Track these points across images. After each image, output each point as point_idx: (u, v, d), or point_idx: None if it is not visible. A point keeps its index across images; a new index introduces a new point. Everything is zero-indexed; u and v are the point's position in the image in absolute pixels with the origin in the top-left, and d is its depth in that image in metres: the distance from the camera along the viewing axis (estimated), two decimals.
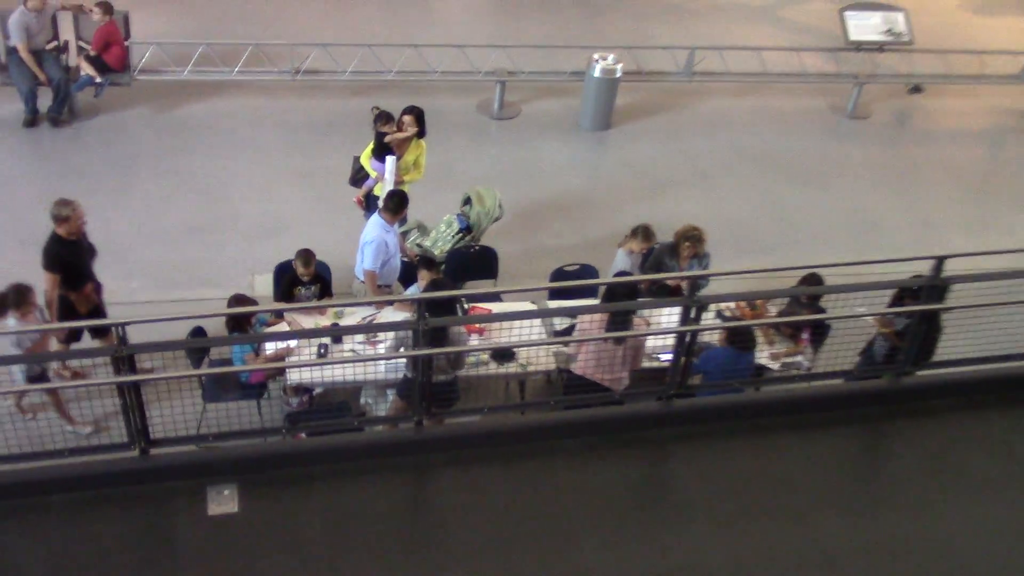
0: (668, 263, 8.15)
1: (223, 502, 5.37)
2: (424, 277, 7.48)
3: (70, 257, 7.22)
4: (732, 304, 7.95)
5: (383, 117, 8.74)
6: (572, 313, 7.20)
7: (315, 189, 10.54)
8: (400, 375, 6.82)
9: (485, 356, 7.36)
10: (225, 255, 9.50)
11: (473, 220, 9.10)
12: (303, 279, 7.70)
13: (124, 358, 5.13)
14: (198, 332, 7.37)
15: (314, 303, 7.72)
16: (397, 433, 6.32)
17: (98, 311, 7.53)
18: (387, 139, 8.68)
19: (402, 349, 6.57)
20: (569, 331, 7.31)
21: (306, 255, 7.65)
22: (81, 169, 10.48)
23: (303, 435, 6.29)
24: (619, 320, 6.52)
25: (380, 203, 8.21)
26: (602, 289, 7.11)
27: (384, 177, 8.73)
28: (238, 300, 7.17)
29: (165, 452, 5.60)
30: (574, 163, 11.73)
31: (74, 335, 7.47)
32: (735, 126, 12.60)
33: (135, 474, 5.49)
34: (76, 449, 5.46)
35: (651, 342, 7.21)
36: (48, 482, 5.40)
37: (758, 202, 11.22)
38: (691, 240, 8.01)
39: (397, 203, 7.86)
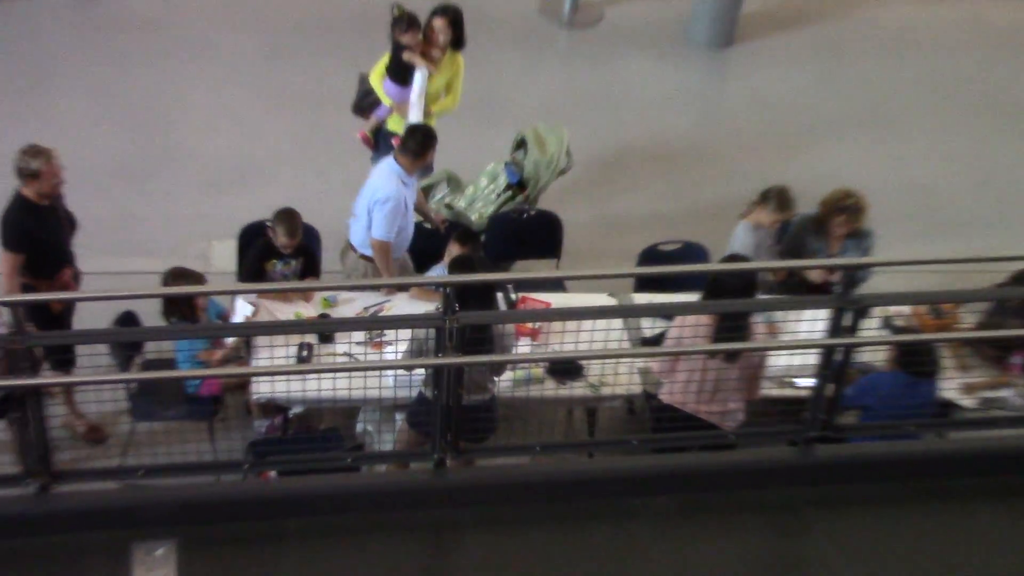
0: (812, 244, 8.06)
1: (155, 565, 5.39)
2: (456, 253, 7.47)
3: (40, 230, 7.22)
4: (906, 309, 7.81)
5: (404, 21, 8.73)
6: (667, 312, 7.14)
7: (302, 119, 10.59)
8: (414, 393, 6.82)
9: (539, 370, 7.33)
10: (171, 211, 9.58)
11: (528, 172, 9.09)
12: (282, 251, 7.75)
13: (21, 353, 5.16)
14: (128, 319, 7.44)
15: (294, 284, 7.74)
16: (408, 476, 6.34)
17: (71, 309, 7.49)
18: (406, 56, 8.68)
19: (421, 356, 6.58)
20: (662, 339, 7.27)
21: (290, 219, 7.68)
22: None
23: (272, 474, 6.30)
24: (731, 326, 6.46)
25: (396, 142, 8.21)
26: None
27: (411, 102, 8.71)
28: (177, 275, 7.21)
29: (75, 490, 5.62)
30: (679, 93, 11.66)
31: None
32: (926, 46, 12.46)
33: (31, 520, 5.51)
34: None
35: (781, 360, 7.14)
36: None
37: (955, 159, 11.07)
38: (846, 211, 7.93)
39: (420, 143, 7.86)
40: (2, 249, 7.16)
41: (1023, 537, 5.93)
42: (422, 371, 6.60)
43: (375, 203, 7.84)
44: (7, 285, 7.16)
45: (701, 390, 6.77)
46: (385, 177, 7.87)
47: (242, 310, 7.65)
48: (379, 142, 9.01)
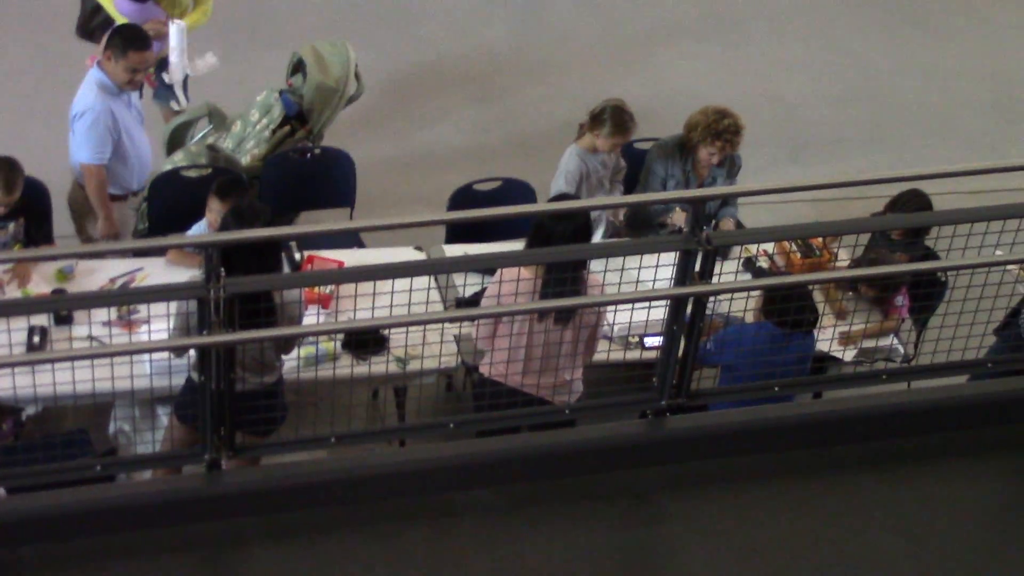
0: (675, 177, 8.24)
1: None
2: (216, 210, 7.50)
3: None
4: (770, 247, 8.08)
5: None
6: (485, 266, 7.23)
7: (14, 45, 10.40)
8: (180, 381, 6.80)
9: (331, 344, 7.38)
10: None
11: (309, 101, 9.06)
12: None
13: None
14: None
15: (15, 253, 7.65)
16: (176, 484, 6.29)
17: None
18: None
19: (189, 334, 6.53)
20: (479, 300, 7.36)
21: (7, 170, 7.50)
22: None
23: (1, 491, 6.22)
24: (560, 279, 6.55)
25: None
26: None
27: (171, 63, 8.63)
28: None
29: None
30: None
31: None
32: None
33: None
34: None
35: (623, 316, 7.28)
36: None
37: (821, 69, 11.36)
38: (722, 137, 8.10)
39: (127, 38, 7.82)
40: None
41: (911, 511, 6.11)
42: (186, 352, 6.58)
43: (72, 119, 7.87)
44: None
45: (528, 359, 6.86)
46: (83, 86, 7.91)
47: None
48: None
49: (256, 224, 6.67)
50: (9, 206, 7.60)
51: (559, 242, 6.67)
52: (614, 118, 8.08)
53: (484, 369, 7.06)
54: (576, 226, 6.75)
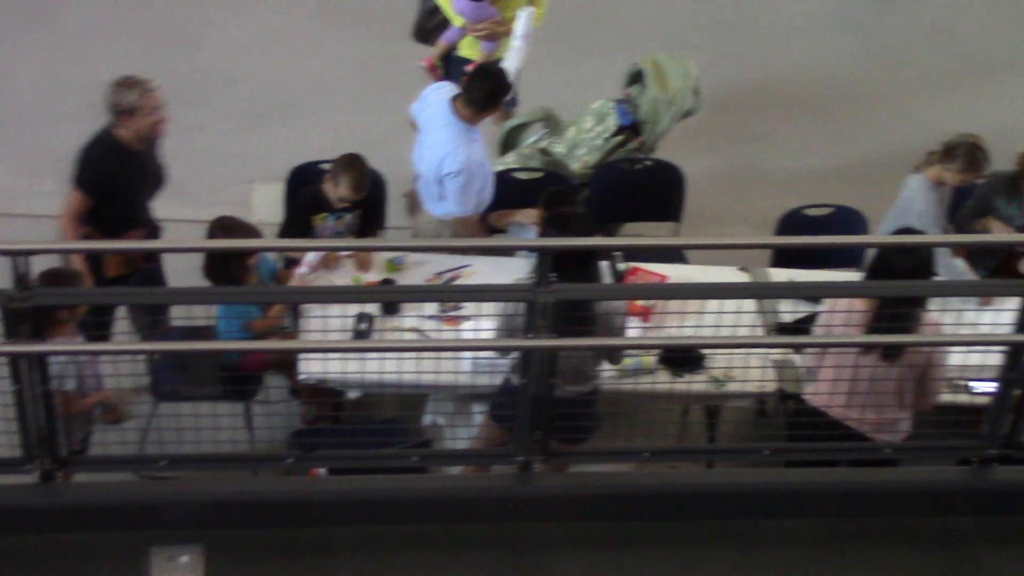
0: (1004, 211, 8.06)
1: (178, 574, 5.51)
2: (531, 216, 7.61)
3: (121, 179, 7.37)
4: None
5: None
6: (813, 294, 7.14)
7: (361, 40, 10.69)
8: (497, 380, 6.88)
9: (649, 359, 7.37)
10: (204, 145, 9.66)
11: (645, 113, 9.05)
12: (337, 204, 7.77)
13: (25, 313, 5.22)
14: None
15: (348, 243, 7.88)
16: (485, 482, 6.41)
17: (141, 277, 7.56)
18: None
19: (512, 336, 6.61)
20: (806, 327, 7.28)
21: (358, 170, 7.62)
22: None
23: (321, 471, 6.41)
24: (893, 315, 6.42)
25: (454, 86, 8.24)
26: (869, 255, 7.05)
27: (513, 47, 8.71)
28: (225, 228, 7.25)
29: (84, 481, 5.77)
30: (833, 17, 11.59)
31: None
32: None
33: (31, 515, 5.63)
34: None
35: (953, 359, 7.11)
36: None
37: None
38: None
39: (489, 91, 7.80)
40: (71, 186, 7.33)
41: None
42: (507, 354, 6.65)
43: (445, 175, 7.84)
44: (64, 228, 7.35)
45: (852, 392, 6.76)
46: (449, 143, 7.79)
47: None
48: (450, 71, 9.05)
49: (574, 232, 6.71)
50: (354, 199, 7.76)
51: (898, 277, 6.54)
52: (968, 154, 7.88)
53: (807, 397, 6.96)
54: (917, 262, 6.61)
